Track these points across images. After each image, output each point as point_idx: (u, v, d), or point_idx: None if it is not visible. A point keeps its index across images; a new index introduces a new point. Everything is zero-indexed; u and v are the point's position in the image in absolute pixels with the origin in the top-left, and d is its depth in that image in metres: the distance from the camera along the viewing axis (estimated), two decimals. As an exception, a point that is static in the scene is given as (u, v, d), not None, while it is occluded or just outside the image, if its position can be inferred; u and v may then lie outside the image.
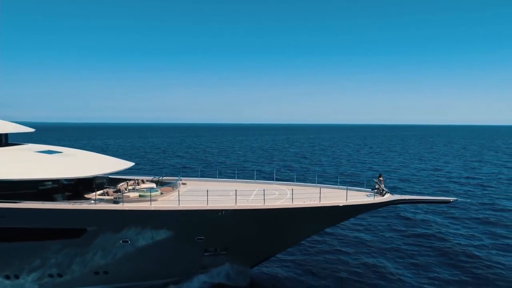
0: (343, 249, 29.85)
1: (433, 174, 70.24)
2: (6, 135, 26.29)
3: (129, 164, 26.47)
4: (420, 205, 40.66)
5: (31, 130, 28.41)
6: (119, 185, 24.89)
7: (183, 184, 26.85)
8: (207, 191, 21.32)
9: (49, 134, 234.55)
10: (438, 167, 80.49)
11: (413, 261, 27.68)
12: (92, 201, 21.09)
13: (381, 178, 24.50)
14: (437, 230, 34.38)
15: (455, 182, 61.25)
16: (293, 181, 28.27)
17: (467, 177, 66.29)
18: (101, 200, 21.51)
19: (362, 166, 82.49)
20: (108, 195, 22.54)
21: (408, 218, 38.34)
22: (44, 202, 20.81)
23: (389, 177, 62.68)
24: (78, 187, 23.96)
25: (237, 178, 30.04)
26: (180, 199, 21.04)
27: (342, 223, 29.88)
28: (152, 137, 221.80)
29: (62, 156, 25.58)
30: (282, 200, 22.63)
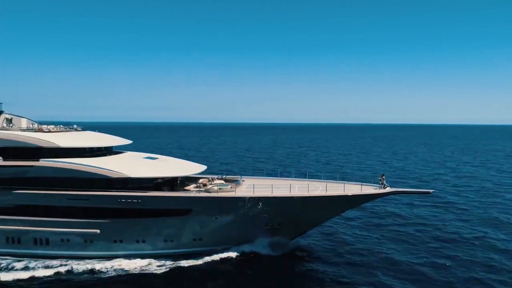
0: (353, 224, 40.88)
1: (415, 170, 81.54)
2: (111, 147, 37.27)
3: (203, 167, 37.33)
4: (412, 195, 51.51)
5: (129, 142, 39.32)
6: (200, 181, 35.81)
7: (242, 181, 37.75)
8: (272, 185, 32.41)
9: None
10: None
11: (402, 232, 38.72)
12: (194, 191, 32.11)
13: (383, 177, 35.46)
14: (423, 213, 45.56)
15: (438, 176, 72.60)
16: (321, 178, 39.43)
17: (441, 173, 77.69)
18: (199, 190, 32.53)
19: (371, 165, 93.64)
20: (201, 187, 33.58)
21: (407, 204, 49.49)
22: (163, 191, 31.86)
23: (391, 174, 73.75)
24: (173, 182, 34.84)
25: (279, 176, 41.12)
26: (251, 189, 32.05)
27: (356, 208, 40.92)
28: (184, 136, 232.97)
29: (161, 161, 36.74)
30: (317, 191, 33.54)
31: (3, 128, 36.25)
